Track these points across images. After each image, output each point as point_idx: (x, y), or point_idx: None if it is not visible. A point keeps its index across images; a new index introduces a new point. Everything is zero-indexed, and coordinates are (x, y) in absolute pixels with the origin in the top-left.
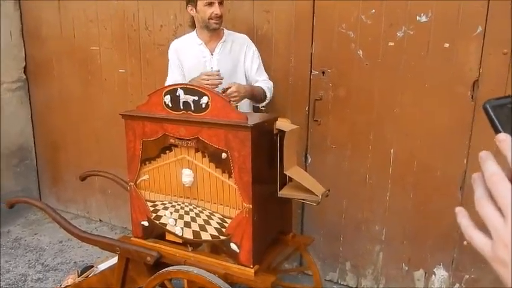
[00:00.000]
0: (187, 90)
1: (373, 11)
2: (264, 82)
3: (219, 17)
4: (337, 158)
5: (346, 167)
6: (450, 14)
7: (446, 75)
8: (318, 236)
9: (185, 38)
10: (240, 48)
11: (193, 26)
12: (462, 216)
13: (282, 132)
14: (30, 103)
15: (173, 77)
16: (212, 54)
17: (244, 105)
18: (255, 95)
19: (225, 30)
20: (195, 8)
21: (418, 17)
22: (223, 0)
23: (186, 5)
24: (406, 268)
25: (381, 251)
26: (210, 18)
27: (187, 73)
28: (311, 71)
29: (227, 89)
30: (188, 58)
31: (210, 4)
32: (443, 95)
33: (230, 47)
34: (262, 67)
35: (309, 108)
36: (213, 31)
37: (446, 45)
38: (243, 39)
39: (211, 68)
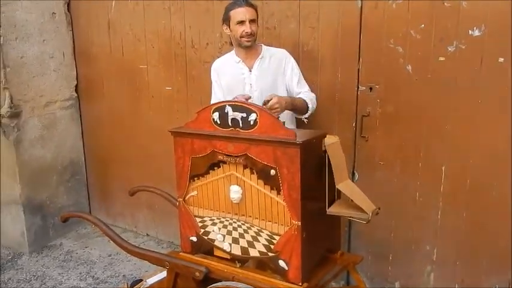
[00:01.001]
0: (236, 107)
1: (423, 25)
2: (305, 93)
3: (250, 35)
4: (385, 175)
5: (395, 184)
6: (504, 28)
7: (500, 91)
8: (365, 254)
9: (225, 57)
10: (279, 63)
11: (232, 44)
12: None
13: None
14: (81, 120)
15: (216, 97)
16: (250, 71)
17: (287, 118)
18: (297, 106)
19: (263, 46)
20: (229, 27)
21: (470, 31)
22: (256, 18)
23: (222, 24)
24: None
25: (432, 272)
26: (241, 36)
27: (227, 91)
28: (358, 87)
29: (268, 101)
30: (227, 76)
31: (241, 23)
32: (497, 111)
33: (268, 62)
34: (303, 79)
35: (356, 124)
36: (249, 48)
37: (501, 59)
38: (281, 53)
39: (250, 84)
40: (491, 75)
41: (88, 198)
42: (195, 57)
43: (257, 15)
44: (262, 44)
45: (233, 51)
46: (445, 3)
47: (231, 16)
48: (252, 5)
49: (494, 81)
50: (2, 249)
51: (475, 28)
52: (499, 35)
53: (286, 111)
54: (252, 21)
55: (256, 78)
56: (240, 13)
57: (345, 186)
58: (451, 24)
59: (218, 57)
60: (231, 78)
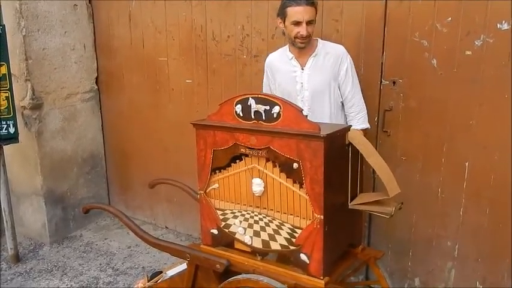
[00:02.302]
0: (259, 100)
1: (449, 18)
2: (359, 119)
3: (305, 37)
4: (407, 170)
5: (417, 180)
6: None
7: None
8: (385, 249)
9: (278, 52)
10: (334, 62)
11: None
12: None
13: (353, 144)
14: (101, 112)
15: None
16: (303, 69)
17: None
18: None
19: (319, 41)
20: (284, 23)
21: (498, 25)
22: (314, 19)
23: (277, 16)
24: (481, 287)
25: (453, 268)
26: (296, 37)
27: (279, 87)
28: (381, 81)
29: None
30: (280, 72)
31: (298, 24)
32: None
33: (323, 60)
34: (357, 83)
35: (378, 118)
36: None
37: None
38: (338, 51)
39: (301, 83)
40: None
41: (107, 191)
42: (216, 50)
43: (316, 13)
44: (319, 39)
45: (287, 46)
46: None
47: (288, 13)
48: (312, 3)
49: None
50: (23, 240)
51: (503, 21)
52: None
53: (333, 107)
54: (309, 22)
55: (308, 77)
56: (298, 13)
57: (375, 160)
58: (479, 17)
59: (241, 49)
60: (283, 75)
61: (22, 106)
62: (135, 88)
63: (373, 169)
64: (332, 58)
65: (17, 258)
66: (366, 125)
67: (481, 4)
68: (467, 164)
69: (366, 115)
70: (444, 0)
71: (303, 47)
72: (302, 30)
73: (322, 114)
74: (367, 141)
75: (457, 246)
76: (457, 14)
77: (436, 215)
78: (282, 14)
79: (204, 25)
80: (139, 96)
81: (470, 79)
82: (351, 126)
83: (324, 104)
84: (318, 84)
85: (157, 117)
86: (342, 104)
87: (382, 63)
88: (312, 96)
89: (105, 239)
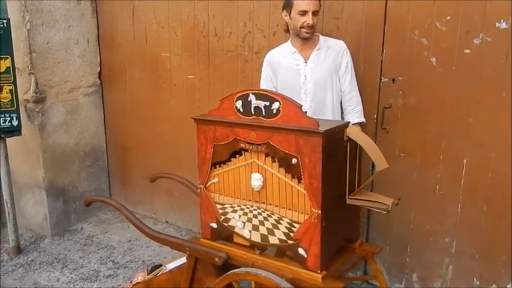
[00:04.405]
0: (259, 96)
1: (449, 17)
2: (355, 109)
3: (311, 27)
4: (405, 167)
5: (415, 176)
6: None
7: None
8: (383, 245)
9: (279, 48)
10: (336, 56)
11: (287, 31)
12: None
13: (352, 140)
14: (103, 107)
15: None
16: (306, 62)
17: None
18: None
19: (320, 37)
20: (289, 15)
21: (497, 24)
22: (318, 10)
23: (282, 10)
24: (478, 283)
25: (450, 264)
26: (301, 27)
27: (281, 81)
28: (381, 78)
29: None
30: (282, 67)
31: (304, 13)
32: None
33: (325, 54)
34: (354, 78)
35: (377, 115)
36: (307, 39)
37: None
38: (339, 46)
39: (305, 76)
40: None
41: (109, 184)
42: (218, 46)
43: (320, 5)
44: (320, 35)
45: (289, 41)
46: None
47: (294, 4)
48: None
49: None
50: (25, 232)
51: (502, 21)
52: None
53: (335, 99)
54: (314, 12)
55: (311, 70)
56: (304, 3)
57: (364, 139)
58: (478, 16)
59: (243, 46)
60: (286, 68)
61: (25, 99)
62: (137, 83)
63: (372, 165)
64: (334, 52)
65: (18, 250)
66: (362, 119)
67: (480, 3)
68: (464, 161)
69: (362, 110)
70: None
71: (308, 37)
72: (308, 19)
73: (324, 105)
74: (366, 136)
75: (454, 243)
76: (456, 13)
77: (433, 211)
78: (288, 6)
79: (206, 21)
80: (141, 91)
81: (468, 77)
82: (349, 122)
83: (327, 96)
84: (320, 76)
85: (159, 112)
86: None
87: (381, 60)
88: (315, 88)
89: (106, 232)
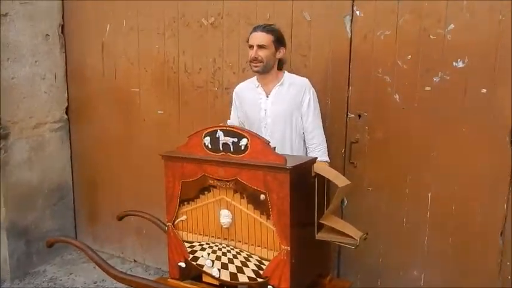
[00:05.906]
0: (227, 132)
1: (409, 56)
2: (319, 151)
3: (256, 60)
4: (373, 201)
5: (383, 210)
6: (487, 60)
7: (484, 121)
8: (354, 279)
9: (247, 81)
10: (297, 93)
11: None
12: None
13: (319, 176)
14: (70, 142)
15: (231, 119)
16: (267, 97)
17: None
18: None
19: (286, 73)
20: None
21: (454, 63)
22: (270, 44)
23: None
24: None
25: None
26: (250, 61)
27: (245, 114)
28: (347, 114)
29: None
30: (246, 100)
31: (250, 47)
32: (481, 140)
33: (287, 89)
34: (319, 117)
35: (345, 150)
36: (267, 74)
37: (484, 90)
38: (302, 83)
39: (265, 110)
40: (474, 105)
41: (75, 223)
42: (188, 81)
43: (273, 40)
44: (285, 71)
45: (255, 76)
46: (431, 36)
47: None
48: (267, 31)
49: (477, 111)
50: None
51: (459, 60)
52: (481, 67)
53: (294, 135)
54: (261, 46)
55: (271, 104)
56: (251, 38)
57: (329, 219)
58: (437, 55)
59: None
60: (249, 102)
61: None
62: (106, 118)
63: (342, 200)
64: (296, 89)
65: None
66: (326, 158)
67: (438, 43)
68: (429, 194)
69: (326, 148)
70: (404, 39)
71: (258, 70)
72: (252, 53)
73: (283, 141)
74: (333, 170)
75: (423, 275)
76: (417, 52)
77: (402, 244)
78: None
79: (176, 57)
80: (110, 126)
81: (430, 113)
82: (316, 158)
83: (286, 131)
84: (280, 112)
85: (129, 147)
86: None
87: (348, 97)
88: (273, 123)
89: (70, 274)
